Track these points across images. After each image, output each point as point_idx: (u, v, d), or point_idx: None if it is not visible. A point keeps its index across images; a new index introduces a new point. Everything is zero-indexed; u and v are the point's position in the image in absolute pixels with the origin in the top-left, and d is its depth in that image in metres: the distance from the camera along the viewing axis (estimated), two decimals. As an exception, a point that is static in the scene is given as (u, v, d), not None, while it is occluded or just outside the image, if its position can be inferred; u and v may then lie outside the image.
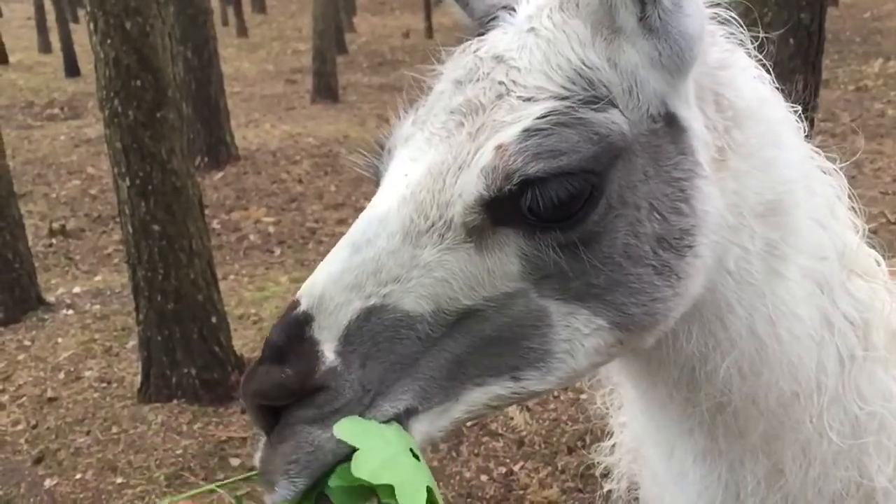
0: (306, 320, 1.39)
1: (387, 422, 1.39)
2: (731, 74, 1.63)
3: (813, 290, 1.65)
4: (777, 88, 1.75)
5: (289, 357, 1.37)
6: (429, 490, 1.35)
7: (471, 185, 1.41)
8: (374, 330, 1.39)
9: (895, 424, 1.71)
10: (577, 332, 1.46)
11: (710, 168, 1.53)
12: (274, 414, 1.39)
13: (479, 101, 1.48)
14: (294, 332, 1.39)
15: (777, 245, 1.60)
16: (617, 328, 1.47)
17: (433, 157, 1.47)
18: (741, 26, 1.70)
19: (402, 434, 1.39)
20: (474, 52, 1.57)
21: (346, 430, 1.35)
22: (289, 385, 1.35)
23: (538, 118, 1.41)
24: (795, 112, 1.75)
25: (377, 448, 1.35)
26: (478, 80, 1.51)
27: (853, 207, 1.81)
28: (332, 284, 1.41)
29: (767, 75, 1.72)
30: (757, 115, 1.63)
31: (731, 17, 1.68)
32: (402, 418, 1.41)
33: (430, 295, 1.41)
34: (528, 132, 1.40)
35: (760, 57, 1.72)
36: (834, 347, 1.67)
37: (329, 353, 1.38)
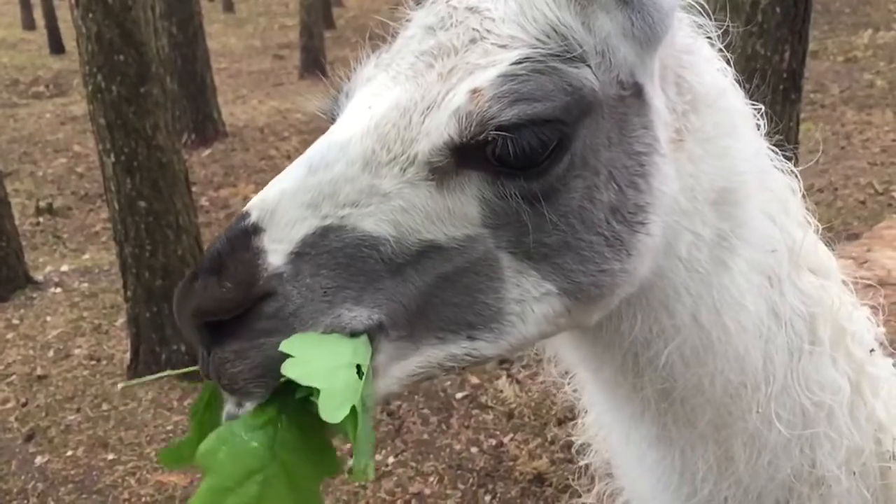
0: (255, 231, 1.35)
1: (359, 334, 1.34)
2: (694, 60, 1.65)
3: (761, 283, 1.66)
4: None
5: (227, 268, 1.31)
6: (354, 410, 1.26)
7: (441, 127, 1.39)
8: (333, 246, 1.35)
9: (843, 416, 1.73)
10: (527, 294, 1.45)
11: (667, 148, 1.54)
12: (215, 327, 1.32)
13: (451, 44, 1.47)
14: (239, 242, 1.34)
15: (726, 236, 1.61)
16: (565, 295, 1.47)
17: (399, 93, 1.45)
18: (708, 16, 1.71)
19: (360, 350, 1.32)
20: (446, 1, 1.55)
21: (295, 344, 1.28)
22: (232, 297, 1.29)
23: (514, 63, 1.40)
24: (755, 108, 1.75)
25: (320, 357, 1.28)
26: (451, 27, 1.49)
27: (808, 206, 1.81)
28: (286, 200, 1.37)
29: (728, 67, 1.72)
30: (715, 102, 1.63)
31: (697, 4, 1.69)
32: (375, 332, 1.37)
33: (391, 221, 1.38)
34: (505, 77, 1.39)
35: (722, 48, 1.73)
36: (783, 339, 1.68)
37: (275, 260, 1.33)
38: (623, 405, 1.78)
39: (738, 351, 1.64)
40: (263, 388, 1.32)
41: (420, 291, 1.40)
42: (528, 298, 1.45)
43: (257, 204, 1.38)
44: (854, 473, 1.76)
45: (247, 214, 1.37)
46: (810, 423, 1.71)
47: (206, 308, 1.30)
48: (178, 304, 1.33)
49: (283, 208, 1.36)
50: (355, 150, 1.40)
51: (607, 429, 2.03)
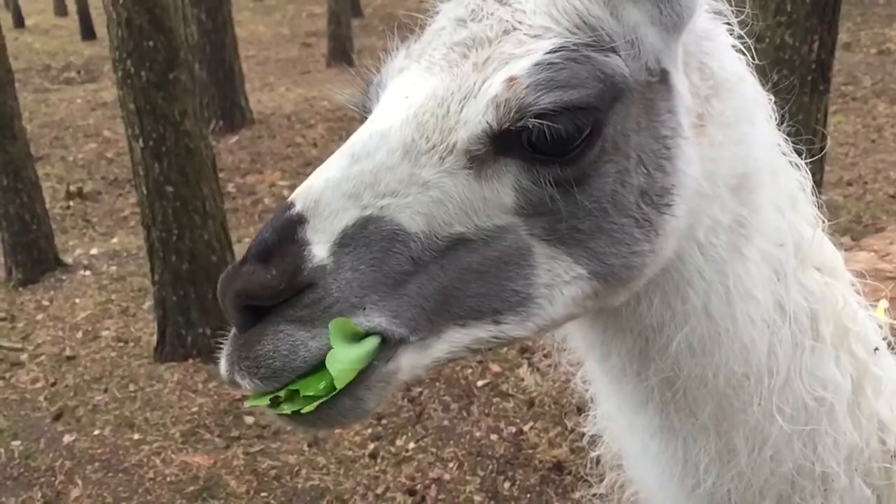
0: (300, 221, 1.39)
1: (374, 335, 1.40)
2: (715, 46, 1.66)
3: (769, 275, 1.67)
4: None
5: (275, 256, 1.36)
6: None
7: (478, 115, 1.42)
8: (370, 239, 1.39)
9: (843, 414, 1.74)
10: (558, 278, 1.47)
11: (690, 132, 1.56)
12: (254, 312, 1.38)
13: (484, 35, 1.49)
14: (285, 232, 1.39)
15: (743, 223, 1.62)
16: (595, 278, 1.49)
17: (436, 83, 1.48)
18: (728, 1, 1.71)
19: (367, 357, 1.39)
20: None
21: (338, 328, 1.35)
22: (276, 285, 1.35)
23: (548, 52, 1.43)
24: (771, 100, 1.76)
25: (343, 351, 1.35)
26: (482, 19, 1.52)
27: (817, 203, 1.81)
28: (329, 191, 1.41)
29: (747, 55, 1.73)
30: (735, 88, 1.65)
31: None
32: (394, 344, 1.42)
33: (426, 213, 1.41)
34: (540, 66, 1.42)
35: (743, 36, 1.74)
36: (787, 333, 1.69)
37: (319, 252, 1.37)
38: (627, 394, 1.79)
39: (744, 342, 1.65)
40: (274, 379, 1.37)
41: (443, 286, 1.43)
42: (559, 282, 1.48)
43: (302, 193, 1.42)
44: (855, 471, 1.76)
45: (292, 204, 1.41)
46: (811, 419, 1.72)
47: (251, 291, 1.35)
48: (223, 285, 1.38)
49: (327, 199, 1.40)
50: (395, 139, 1.43)
51: (614, 419, 2.05)
